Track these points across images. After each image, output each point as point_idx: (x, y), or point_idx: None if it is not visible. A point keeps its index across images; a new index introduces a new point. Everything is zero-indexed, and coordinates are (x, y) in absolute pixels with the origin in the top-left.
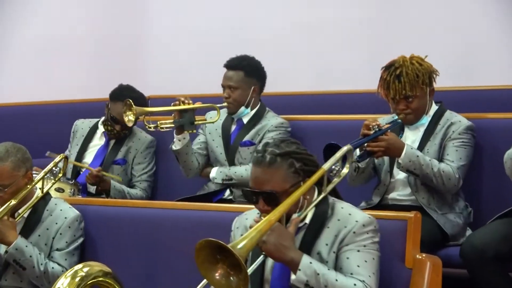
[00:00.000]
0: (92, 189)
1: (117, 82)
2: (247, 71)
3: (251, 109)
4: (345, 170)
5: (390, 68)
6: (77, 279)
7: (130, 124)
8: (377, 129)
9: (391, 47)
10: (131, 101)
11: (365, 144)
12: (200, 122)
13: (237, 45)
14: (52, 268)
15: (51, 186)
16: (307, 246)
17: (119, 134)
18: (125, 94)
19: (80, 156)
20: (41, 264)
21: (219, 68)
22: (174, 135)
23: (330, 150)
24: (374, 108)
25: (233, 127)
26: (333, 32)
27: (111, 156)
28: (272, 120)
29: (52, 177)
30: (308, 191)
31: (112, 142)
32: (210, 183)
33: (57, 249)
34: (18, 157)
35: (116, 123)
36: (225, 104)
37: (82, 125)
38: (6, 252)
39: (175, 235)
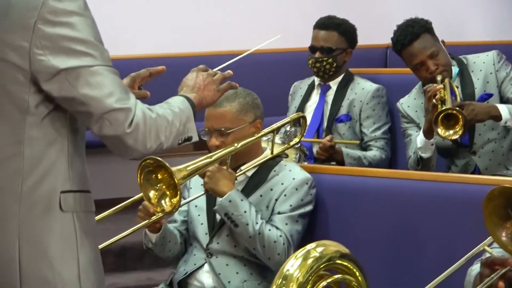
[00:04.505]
0: None
1: None
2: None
3: None
4: None
5: None
6: (310, 260)
7: None
8: None
9: None
10: None
11: None
12: None
13: None
14: (269, 230)
15: (284, 150)
16: None
17: (325, 68)
18: (330, 23)
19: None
20: (257, 223)
21: None
22: None
23: None
24: None
25: None
26: None
27: (332, 113)
28: None
29: (280, 140)
30: None
31: (330, 97)
32: None
33: (279, 213)
34: (247, 100)
35: (314, 51)
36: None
37: (300, 85)
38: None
39: (427, 214)
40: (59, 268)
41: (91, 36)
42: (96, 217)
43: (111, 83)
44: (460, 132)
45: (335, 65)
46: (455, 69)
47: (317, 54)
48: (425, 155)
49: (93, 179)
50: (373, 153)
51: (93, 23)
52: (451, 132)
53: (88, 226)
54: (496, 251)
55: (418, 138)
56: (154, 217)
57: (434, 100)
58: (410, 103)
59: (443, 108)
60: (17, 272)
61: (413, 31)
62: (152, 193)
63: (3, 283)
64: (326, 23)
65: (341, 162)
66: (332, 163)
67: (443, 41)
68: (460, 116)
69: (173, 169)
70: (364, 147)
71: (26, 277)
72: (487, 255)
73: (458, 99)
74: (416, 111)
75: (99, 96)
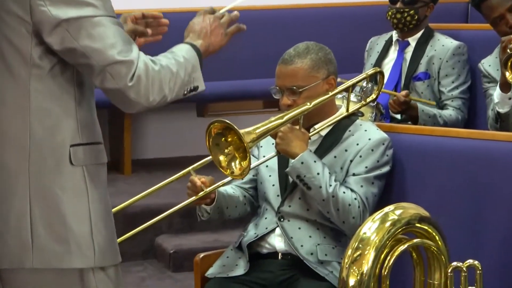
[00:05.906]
0: None
1: None
2: None
3: None
4: None
5: None
6: (388, 223)
7: None
8: None
9: None
10: None
11: None
12: None
13: None
14: (343, 192)
15: (360, 107)
16: None
17: (405, 20)
18: None
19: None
20: (330, 185)
21: None
22: None
23: None
24: None
25: None
26: None
27: (410, 70)
28: None
29: (356, 97)
30: None
31: (409, 54)
32: None
33: (353, 174)
34: (319, 55)
35: (394, 2)
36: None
37: (377, 41)
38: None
39: (507, 175)
40: (71, 224)
41: None
42: (166, 180)
43: (113, 35)
44: None
45: (416, 18)
46: None
47: (398, 5)
48: (502, 110)
49: (162, 137)
50: (449, 112)
51: None
52: None
53: (98, 179)
54: None
55: (495, 93)
56: (201, 193)
57: (508, 50)
58: (491, 62)
59: None
60: (28, 227)
61: None
62: (222, 157)
63: (15, 239)
64: None
65: (415, 118)
66: (409, 122)
67: None
68: None
69: (242, 131)
70: (440, 106)
71: (37, 232)
72: None
73: None
74: (498, 70)
75: (101, 48)
